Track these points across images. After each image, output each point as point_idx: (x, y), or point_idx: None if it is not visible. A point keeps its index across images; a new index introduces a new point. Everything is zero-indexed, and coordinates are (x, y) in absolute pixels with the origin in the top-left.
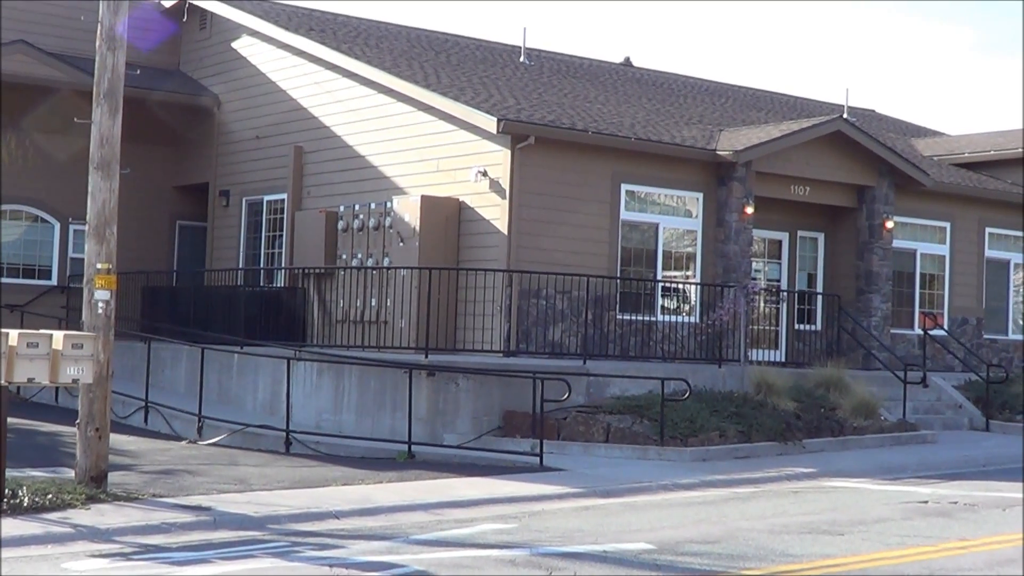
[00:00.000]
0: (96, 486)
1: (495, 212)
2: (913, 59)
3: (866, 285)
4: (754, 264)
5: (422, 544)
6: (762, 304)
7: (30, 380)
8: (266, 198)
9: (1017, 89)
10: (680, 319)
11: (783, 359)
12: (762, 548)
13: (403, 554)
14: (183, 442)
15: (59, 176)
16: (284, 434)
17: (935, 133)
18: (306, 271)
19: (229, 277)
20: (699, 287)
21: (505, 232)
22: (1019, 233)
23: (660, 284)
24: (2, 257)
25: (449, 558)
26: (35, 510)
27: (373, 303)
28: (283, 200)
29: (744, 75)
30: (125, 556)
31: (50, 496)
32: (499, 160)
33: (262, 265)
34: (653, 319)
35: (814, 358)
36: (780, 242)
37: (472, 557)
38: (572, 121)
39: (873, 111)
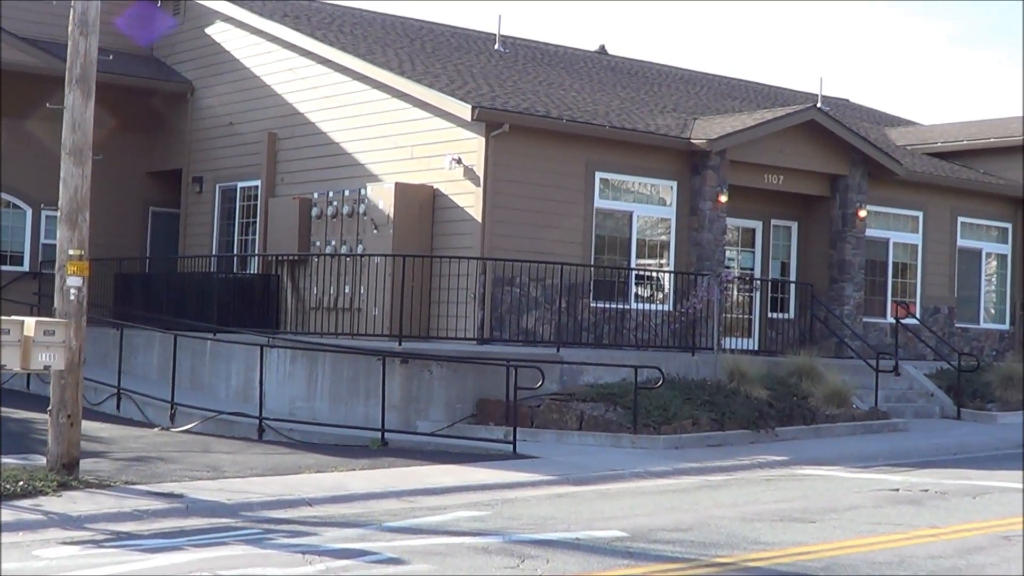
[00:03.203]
0: (68, 473)
1: (469, 200)
2: (886, 49)
3: (839, 274)
4: (728, 252)
5: (395, 531)
6: (735, 292)
7: (1, 367)
8: (240, 184)
9: (988, 81)
10: (654, 307)
11: (756, 347)
12: (734, 536)
13: (376, 541)
14: (156, 429)
15: (31, 162)
16: (257, 421)
17: (908, 123)
18: (280, 258)
19: (202, 264)
20: (673, 275)
21: (479, 219)
22: (991, 222)
23: (634, 272)
24: None
25: (422, 545)
26: (6, 497)
27: (347, 290)
28: (257, 187)
29: (719, 64)
30: (96, 543)
31: (21, 483)
32: (473, 147)
33: (235, 252)
34: (627, 307)
35: (787, 346)
36: (754, 231)
37: (445, 544)
38: (547, 109)
39: (847, 100)
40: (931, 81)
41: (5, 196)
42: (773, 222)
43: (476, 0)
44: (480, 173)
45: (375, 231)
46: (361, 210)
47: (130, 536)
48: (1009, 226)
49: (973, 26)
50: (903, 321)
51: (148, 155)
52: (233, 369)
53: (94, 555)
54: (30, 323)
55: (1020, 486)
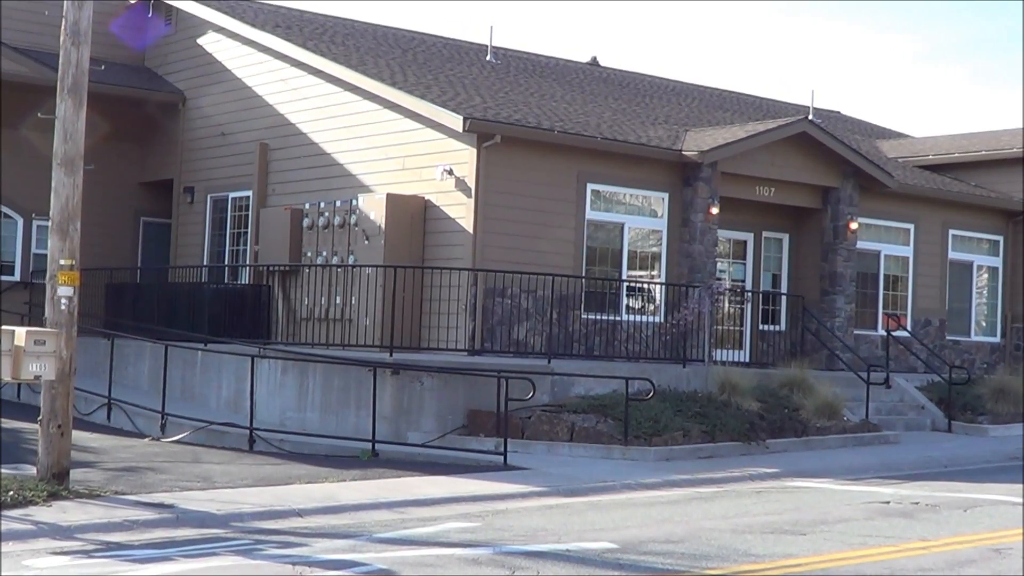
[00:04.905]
0: (58, 483)
1: (461, 211)
2: (878, 62)
3: (830, 286)
4: (719, 264)
5: (385, 542)
6: (727, 304)
7: None
8: (231, 195)
9: (975, 93)
10: (645, 319)
11: (747, 359)
12: (725, 548)
13: (367, 552)
14: (146, 439)
15: (22, 171)
16: (248, 432)
17: (900, 135)
18: (271, 268)
19: (193, 274)
20: (664, 287)
21: (471, 231)
22: (982, 235)
23: (625, 284)
24: None
25: (412, 556)
26: None
27: (338, 301)
28: (248, 197)
29: (710, 76)
30: (87, 553)
31: (11, 493)
32: (465, 159)
33: (227, 262)
34: (618, 319)
35: (778, 358)
36: (745, 243)
37: (435, 556)
38: (538, 120)
39: (838, 113)
40: (917, 93)
41: None
42: (764, 234)
43: (469, 0)
44: (472, 184)
45: (366, 242)
46: (352, 221)
47: (120, 546)
48: (1000, 239)
49: (956, 40)
50: (894, 333)
51: (140, 165)
52: (224, 379)
53: (84, 565)
54: (21, 333)
55: (1011, 499)
